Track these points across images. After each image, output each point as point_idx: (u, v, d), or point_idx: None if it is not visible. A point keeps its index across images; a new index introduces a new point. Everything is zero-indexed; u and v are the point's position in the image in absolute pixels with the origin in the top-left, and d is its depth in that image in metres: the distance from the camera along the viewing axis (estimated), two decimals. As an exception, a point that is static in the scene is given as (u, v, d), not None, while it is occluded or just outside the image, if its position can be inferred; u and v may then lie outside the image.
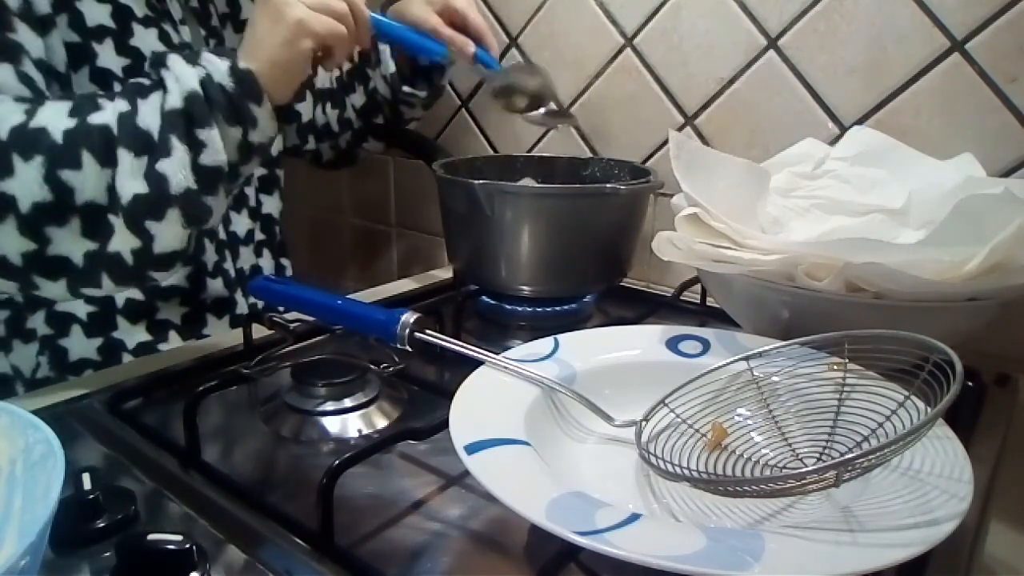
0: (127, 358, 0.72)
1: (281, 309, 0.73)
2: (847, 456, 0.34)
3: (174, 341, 0.74)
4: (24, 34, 0.60)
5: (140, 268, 0.56)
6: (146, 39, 0.69)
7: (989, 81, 0.65)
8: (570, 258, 0.73)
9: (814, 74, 0.75)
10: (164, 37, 0.70)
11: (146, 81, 0.57)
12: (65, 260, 0.55)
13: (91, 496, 0.39)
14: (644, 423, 0.45)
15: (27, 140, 0.52)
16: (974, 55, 0.66)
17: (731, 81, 0.80)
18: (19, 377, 0.73)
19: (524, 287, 0.74)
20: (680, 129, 0.84)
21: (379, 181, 1.21)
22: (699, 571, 0.29)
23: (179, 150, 0.54)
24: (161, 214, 0.55)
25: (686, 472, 0.41)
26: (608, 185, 0.76)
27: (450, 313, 0.67)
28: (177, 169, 0.54)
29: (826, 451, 0.41)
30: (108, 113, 0.55)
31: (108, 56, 0.66)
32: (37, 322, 0.71)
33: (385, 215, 1.21)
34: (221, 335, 0.75)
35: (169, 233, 0.56)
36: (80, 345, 0.71)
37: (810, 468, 0.35)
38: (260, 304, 0.80)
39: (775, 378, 0.46)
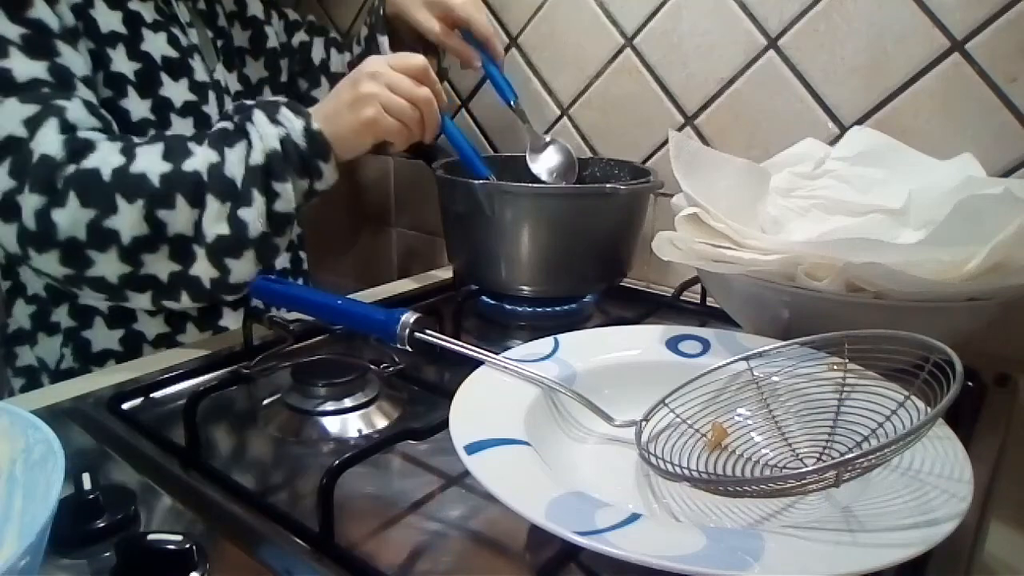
0: (148, 349, 0.74)
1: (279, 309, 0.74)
2: (847, 456, 0.34)
3: (191, 333, 0.76)
4: (68, 55, 0.63)
5: (215, 292, 0.64)
6: (156, 43, 0.71)
7: (989, 81, 0.65)
8: (570, 258, 0.73)
9: (814, 74, 0.75)
10: (173, 41, 0.72)
11: (229, 126, 0.64)
12: (153, 278, 0.62)
13: (91, 496, 0.39)
14: (644, 423, 0.45)
15: (130, 183, 0.59)
16: (974, 55, 0.66)
17: (731, 81, 0.80)
18: (44, 369, 0.76)
19: (524, 287, 0.74)
20: (680, 129, 0.84)
21: (379, 181, 1.21)
22: (699, 571, 0.29)
23: (258, 200, 0.62)
24: (239, 254, 0.62)
25: (686, 472, 0.41)
26: (608, 185, 0.76)
27: (450, 313, 0.67)
28: (256, 217, 0.62)
29: (826, 451, 0.41)
30: (199, 160, 0.61)
31: (121, 61, 0.68)
32: (61, 315, 0.73)
33: (385, 215, 1.21)
34: (221, 335, 0.75)
35: (244, 268, 0.63)
36: (103, 337, 0.73)
37: (810, 468, 0.35)
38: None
39: (775, 378, 0.46)
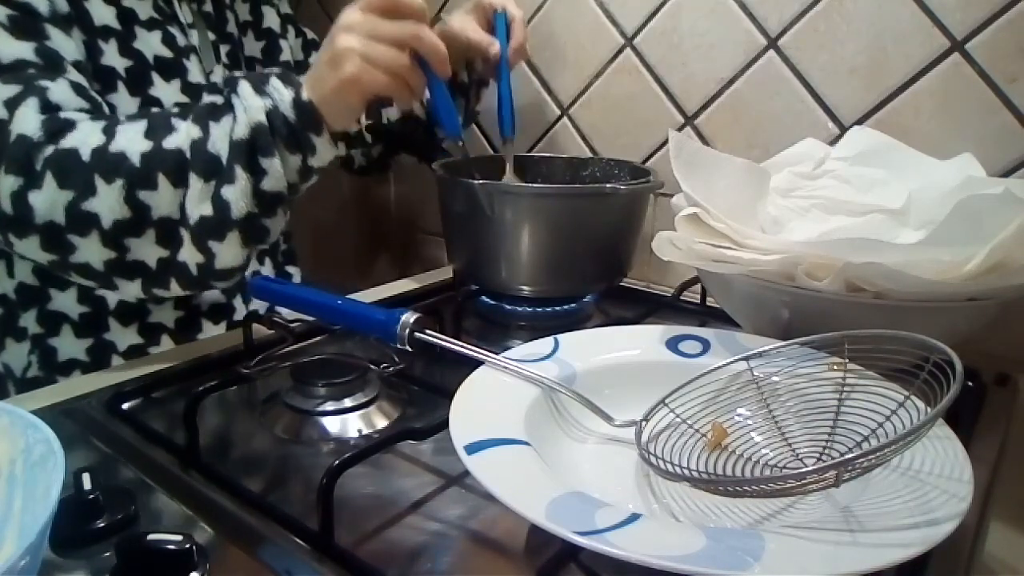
0: (117, 360, 0.72)
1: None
2: (847, 456, 0.34)
3: (166, 345, 0.73)
4: (58, 39, 0.62)
5: (203, 279, 0.61)
6: (149, 41, 0.69)
7: (989, 81, 0.65)
8: (570, 258, 0.72)
9: (814, 74, 0.75)
10: (168, 40, 0.71)
11: (218, 100, 0.60)
12: (141, 264, 0.59)
13: (91, 496, 0.39)
14: (644, 423, 0.45)
15: (108, 163, 0.56)
16: (974, 55, 0.66)
17: (731, 81, 0.80)
18: (10, 376, 0.74)
19: (524, 287, 0.74)
20: (680, 129, 0.84)
21: (379, 181, 1.21)
22: (699, 571, 0.29)
23: (242, 178, 0.58)
24: (223, 236, 0.59)
25: (686, 472, 0.41)
26: (608, 185, 0.76)
27: (450, 313, 0.67)
28: (239, 196, 0.58)
29: (826, 451, 0.41)
30: (181, 136, 0.58)
31: (112, 56, 0.67)
32: (29, 320, 0.71)
33: (385, 215, 1.22)
34: (221, 335, 0.75)
35: (229, 252, 0.59)
36: (69, 345, 0.71)
37: (810, 468, 0.35)
38: (259, 310, 0.80)
39: (775, 378, 0.46)
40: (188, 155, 0.57)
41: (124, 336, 0.72)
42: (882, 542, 0.31)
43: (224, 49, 0.78)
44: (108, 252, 0.57)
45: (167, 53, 0.71)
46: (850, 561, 0.30)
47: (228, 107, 0.59)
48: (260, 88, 0.59)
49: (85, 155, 0.56)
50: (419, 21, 0.61)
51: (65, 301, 0.70)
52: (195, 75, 0.73)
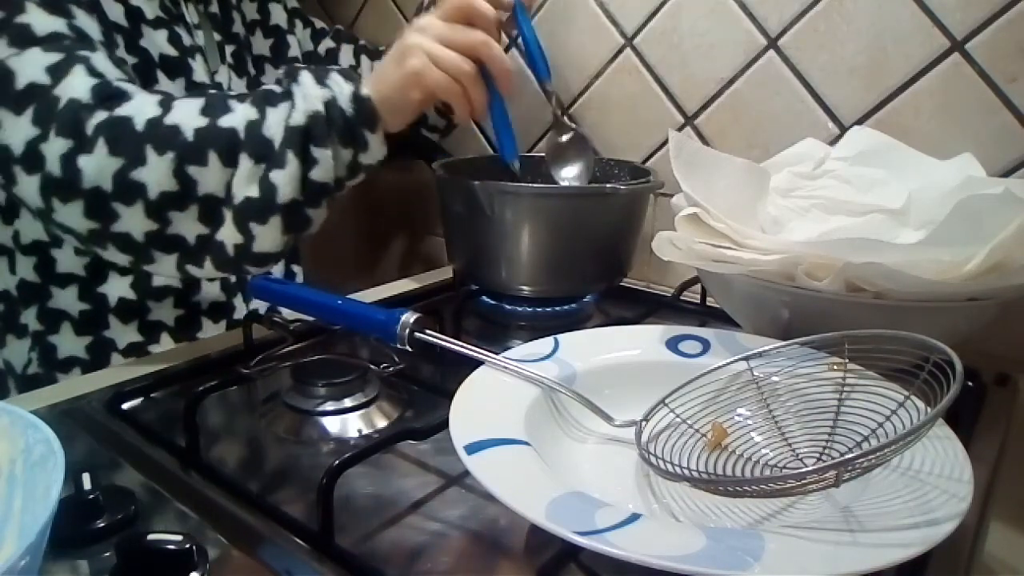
0: (116, 358, 0.72)
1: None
2: (847, 456, 0.34)
3: (166, 343, 0.74)
4: (85, 21, 0.62)
5: (238, 261, 0.60)
6: (154, 40, 0.70)
7: (989, 81, 0.65)
8: (570, 258, 0.72)
9: (814, 74, 0.75)
10: (174, 39, 0.71)
11: (277, 89, 0.60)
12: (180, 238, 0.59)
13: (91, 496, 0.39)
14: (644, 423, 0.45)
15: (162, 135, 0.56)
16: (974, 55, 0.66)
17: (731, 81, 0.80)
18: (11, 373, 0.74)
19: (524, 287, 0.74)
20: (680, 129, 0.84)
21: (379, 181, 1.20)
22: (699, 571, 0.29)
23: (293, 164, 0.58)
24: (265, 219, 0.59)
25: (686, 472, 0.41)
26: (608, 185, 0.76)
27: (450, 313, 0.67)
28: (287, 182, 0.58)
29: (826, 451, 0.41)
30: (237, 117, 0.58)
31: (120, 52, 0.67)
32: (30, 318, 0.71)
33: (385, 215, 1.21)
34: (220, 334, 0.75)
35: (268, 237, 0.59)
36: (69, 343, 0.71)
37: (810, 468, 0.35)
38: (260, 310, 0.80)
39: (775, 378, 0.46)
40: (242, 135, 0.58)
41: (124, 334, 0.72)
42: (882, 542, 0.31)
43: (229, 49, 0.79)
44: (150, 223, 0.57)
45: (172, 52, 0.71)
46: (850, 561, 0.30)
47: (287, 94, 0.60)
48: (321, 80, 0.60)
49: (139, 125, 0.56)
50: (490, 34, 0.63)
51: (65, 299, 0.70)
52: (200, 75, 0.73)
